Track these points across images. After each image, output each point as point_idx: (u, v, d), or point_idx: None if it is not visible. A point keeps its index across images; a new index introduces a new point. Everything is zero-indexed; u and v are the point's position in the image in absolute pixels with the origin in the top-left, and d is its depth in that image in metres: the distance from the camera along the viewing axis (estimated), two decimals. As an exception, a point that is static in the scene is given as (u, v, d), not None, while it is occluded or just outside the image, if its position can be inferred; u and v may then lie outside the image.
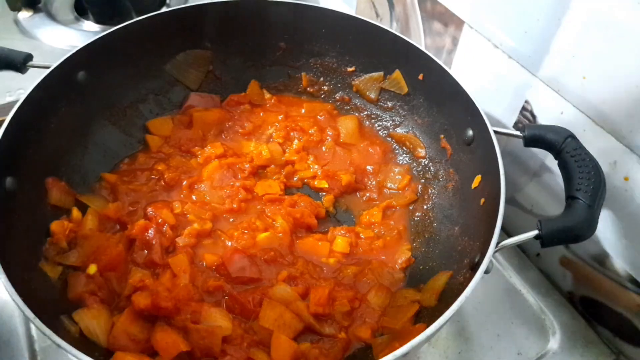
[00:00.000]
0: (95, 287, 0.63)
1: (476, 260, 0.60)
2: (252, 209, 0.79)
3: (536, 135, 0.65)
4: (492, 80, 0.79)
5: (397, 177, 0.84)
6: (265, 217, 0.78)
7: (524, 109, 0.76)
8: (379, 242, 0.77)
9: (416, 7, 0.89)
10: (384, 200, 0.82)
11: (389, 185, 0.84)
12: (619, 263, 0.69)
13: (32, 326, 0.70)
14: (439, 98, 0.81)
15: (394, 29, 0.97)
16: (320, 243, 0.75)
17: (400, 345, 0.50)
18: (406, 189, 0.83)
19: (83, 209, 0.72)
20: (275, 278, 0.69)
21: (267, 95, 0.93)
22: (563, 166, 0.63)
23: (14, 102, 0.64)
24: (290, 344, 0.61)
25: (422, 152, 0.86)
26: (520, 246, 0.85)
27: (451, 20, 0.82)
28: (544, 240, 0.57)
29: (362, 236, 0.77)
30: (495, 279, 0.80)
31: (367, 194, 0.83)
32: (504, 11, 0.71)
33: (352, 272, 0.72)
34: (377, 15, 1.01)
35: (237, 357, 0.60)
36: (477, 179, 0.71)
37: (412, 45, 0.79)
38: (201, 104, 0.89)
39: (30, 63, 0.70)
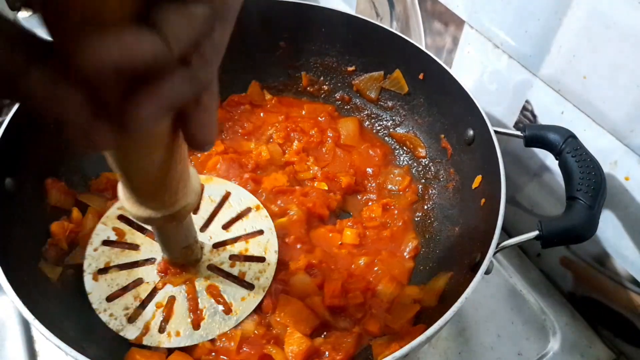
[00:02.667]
0: None
1: (476, 260, 0.60)
2: (261, 200, 0.79)
3: (537, 135, 0.65)
4: (493, 80, 0.79)
5: (397, 178, 0.84)
6: (278, 207, 0.78)
7: (524, 108, 0.75)
8: (387, 232, 0.77)
9: (416, 6, 0.89)
10: (384, 199, 0.82)
11: (389, 187, 0.84)
12: (620, 263, 0.69)
13: (32, 327, 0.71)
14: (440, 98, 0.80)
15: (394, 29, 0.96)
16: (331, 234, 0.75)
17: (400, 346, 0.50)
18: (407, 190, 0.83)
19: (83, 209, 0.72)
20: (296, 262, 0.69)
21: (268, 96, 0.93)
22: (564, 166, 0.62)
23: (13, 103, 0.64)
24: (304, 341, 0.61)
25: (422, 152, 0.85)
26: (520, 247, 0.85)
27: (452, 20, 0.81)
28: (545, 240, 0.57)
29: (369, 225, 0.77)
30: (495, 279, 0.80)
31: (367, 196, 0.83)
32: (504, 11, 0.71)
33: (364, 262, 0.72)
34: (377, 15, 1.01)
35: (253, 352, 0.60)
36: (478, 179, 0.71)
37: (413, 44, 0.79)
38: None
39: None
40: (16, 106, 0.63)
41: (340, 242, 0.75)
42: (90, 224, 0.70)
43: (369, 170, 0.86)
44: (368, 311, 0.67)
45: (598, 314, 0.76)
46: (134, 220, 0.49)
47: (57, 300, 0.61)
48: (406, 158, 0.88)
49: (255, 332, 0.63)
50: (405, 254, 0.75)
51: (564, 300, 0.79)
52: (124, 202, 0.46)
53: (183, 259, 0.64)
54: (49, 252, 0.64)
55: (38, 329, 0.48)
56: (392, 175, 0.84)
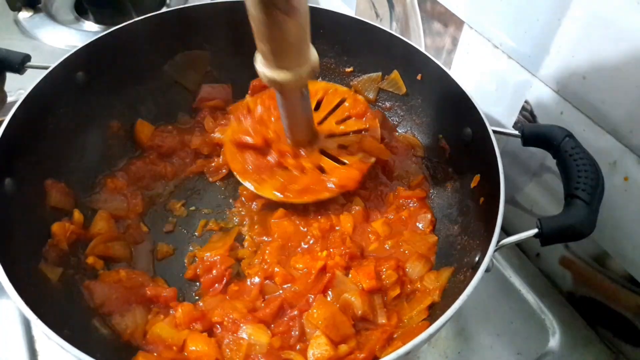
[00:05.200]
0: None
1: (477, 259, 0.61)
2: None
3: (535, 135, 0.66)
4: (492, 81, 0.79)
5: (410, 175, 0.84)
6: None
7: (523, 109, 0.76)
8: (405, 213, 0.78)
9: (416, 7, 0.89)
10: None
11: (403, 182, 0.84)
12: (619, 263, 0.69)
13: (33, 326, 0.71)
14: (437, 98, 0.80)
15: (394, 29, 0.96)
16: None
17: (403, 343, 0.50)
18: (416, 188, 0.82)
19: (84, 210, 0.72)
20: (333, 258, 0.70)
21: None
22: (562, 165, 0.63)
23: (14, 102, 0.64)
24: (327, 349, 0.60)
25: (420, 152, 0.86)
26: (520, 246, 0.85)
27: (451, 21, 0.81)
28: (544, 238, 0.57)
29: (388, 211, 0.79)
30: (495, 279, 0.81)
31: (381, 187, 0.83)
32: (503, 11, 0.71)
33: (389, 246, 0.74)
34: (377, 16, 1.01)
35: None
36: (476, 179, 0.71)
37: (410, 45, 0.79)
38: (212, 95, 0.90)
39: (29, 64, 0.70)
40: (16, 106, 0.63)
41: (370, 235, 0.76)
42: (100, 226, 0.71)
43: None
44: (404, 289, 0.68)
45: (597, 313, 0.76)
46: (271, 85, 0.62)
47: (58, 300, 0.61)
48: (405, 158, 0.88)
49: (271, 345, 0.62)
50: (423, 228, 0.76)
51: (563, 300, 0.79)
52: (265, 71, 0.60)
53: (304, 136, 0.77)
54: (49, 253, 0.64)
55: (41, 330, 0.48)
56: (407, 170, 0.84)
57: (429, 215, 0.78)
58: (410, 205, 0.79)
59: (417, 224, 0.77)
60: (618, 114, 0.62)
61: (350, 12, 1.07)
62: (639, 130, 0.60)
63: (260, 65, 0.61)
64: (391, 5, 0.95)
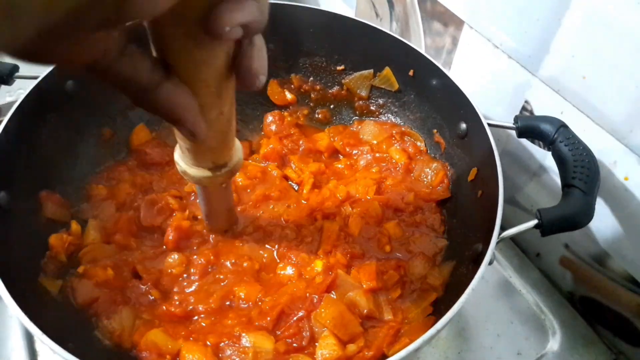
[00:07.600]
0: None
1: (479, 251, 0.60)
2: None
3: (529, 126, 0.65)
4: (492, 80, 0.78)
5: (431, 173, 0.80)
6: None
7: (523, 108, 0.75)
8: (419, 216, 0.76)
9: (416, 7, 0.87)
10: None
11: (422, 179, 0.80)
12: (619, 263, 0.69)
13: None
14: (430, 93, 0.80)
15: (394, 29, 0.95)
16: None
17: (410, 340, 0.49)
18: (439, 186, 0.78)
19: (81, 221, 0.71)
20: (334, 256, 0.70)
21: (289, 96, 0.91)
22: (558, 156, 0.63)
23: (13, 102, 0.63)
24: (335, 349, 0.60)
25: (422, 145, 0.84)
26: (520, 246, 0.85)
27: (451, 20, 0.80)
28: (544, 228, 0.57)
29: (405, 210, 0.77)
30: (495, 279, 0.81)
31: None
32: (504, 11, 0.70)
33: (396, 246, 0.72)
34: (377, 15, 0.99)
35: None
36: (473, 172, 0.71)
37: (401, 41, 0.78)
38: None
39: (17, 74, 0.68)
40: (7, 117, 0.62)
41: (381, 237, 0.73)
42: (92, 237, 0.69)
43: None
44: (405, 289, 0.67)
45: (597, 313, 0.76)
46: (194, 182, 0.55)
47: (59, 313, 0.60)
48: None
49: (277, 350, 0.61)
50: (435, 230, 0.74)
51: (563, 300, 0.79)
52: (185, 168, 0.53)
53: (223, 224, 0.72)
54: (48, 266, 0.63)
55: (47, 345, 0.47)
56: (428, 169, 0.80)
57: (440, 216, 0.75)
58: (431, 206, 0.76)
59: (429, 225, 0.75)
60: (618, 113, 0.61)
61: (350, 12, 1.05)
62: (639, 130, 0.59)
63: (178, 157, 0.54)
64: (391, 5, 0.94)
